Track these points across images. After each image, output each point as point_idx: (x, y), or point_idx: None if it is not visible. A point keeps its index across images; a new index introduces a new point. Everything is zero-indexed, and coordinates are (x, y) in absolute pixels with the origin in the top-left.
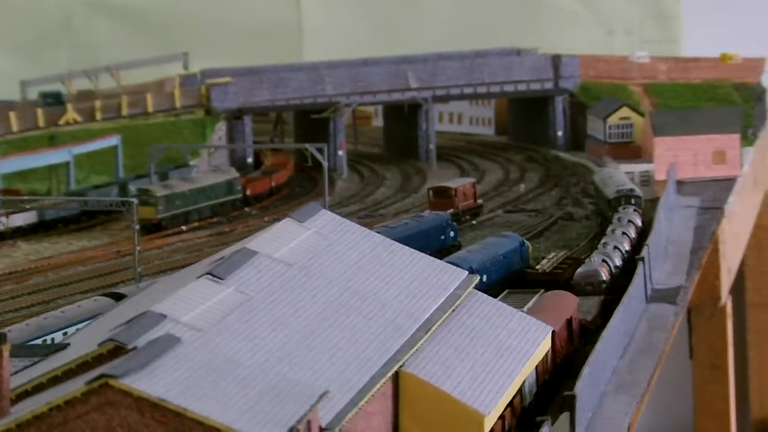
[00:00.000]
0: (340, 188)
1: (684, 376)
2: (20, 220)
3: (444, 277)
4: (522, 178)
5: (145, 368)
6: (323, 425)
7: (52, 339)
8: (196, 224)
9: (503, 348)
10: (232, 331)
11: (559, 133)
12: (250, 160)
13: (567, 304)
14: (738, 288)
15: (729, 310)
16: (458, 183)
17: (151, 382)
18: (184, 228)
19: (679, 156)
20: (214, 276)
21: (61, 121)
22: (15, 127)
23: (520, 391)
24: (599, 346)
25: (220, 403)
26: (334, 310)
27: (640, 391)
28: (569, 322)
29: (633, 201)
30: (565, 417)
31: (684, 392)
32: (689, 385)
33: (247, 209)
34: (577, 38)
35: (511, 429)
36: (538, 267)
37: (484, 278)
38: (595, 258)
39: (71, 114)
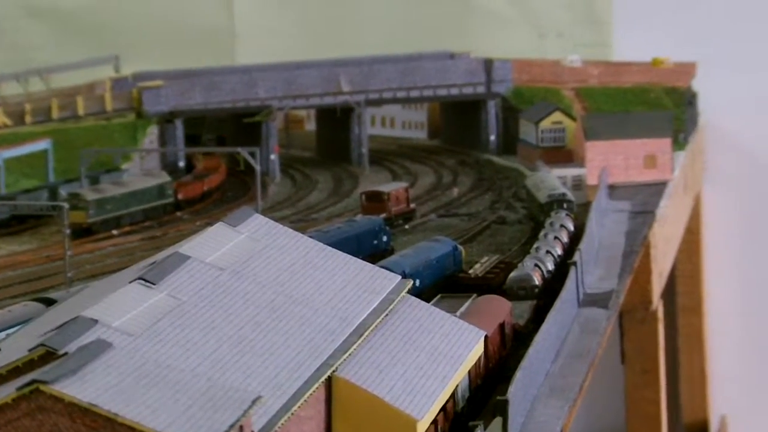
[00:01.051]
0: (273, 192)
1: (616, 381)
2: None
3: (377, 281)
4: (455, 182)
5: (76, 373)
6: (256, 430)
7: None
8: (127, 228)
9: (436, 352)
10: (164, 336)
11: (492, 137)
12: (182, 163)
13: (500, 309)
14: (669, 292)
15: (660, 314)
16: (391, 187)
17: (82, 388)
18: (115, 232)
19: (611, 160)
20: (145, 281)
21: None
22: None
23: (453, 395)
24: (532, 350)
25: (151, 409)
26: (267, 314)
27: (573, 395)
28: (502, 326)
29: (565, 205)
30: (497, 422)
31: (616, 396)
32: (621, 389)
33: (179, 213)
34: (509, 42)
35: None
36: (471, 271)
37: (417, 283)
38: (528, 262)
39: (0, 117)
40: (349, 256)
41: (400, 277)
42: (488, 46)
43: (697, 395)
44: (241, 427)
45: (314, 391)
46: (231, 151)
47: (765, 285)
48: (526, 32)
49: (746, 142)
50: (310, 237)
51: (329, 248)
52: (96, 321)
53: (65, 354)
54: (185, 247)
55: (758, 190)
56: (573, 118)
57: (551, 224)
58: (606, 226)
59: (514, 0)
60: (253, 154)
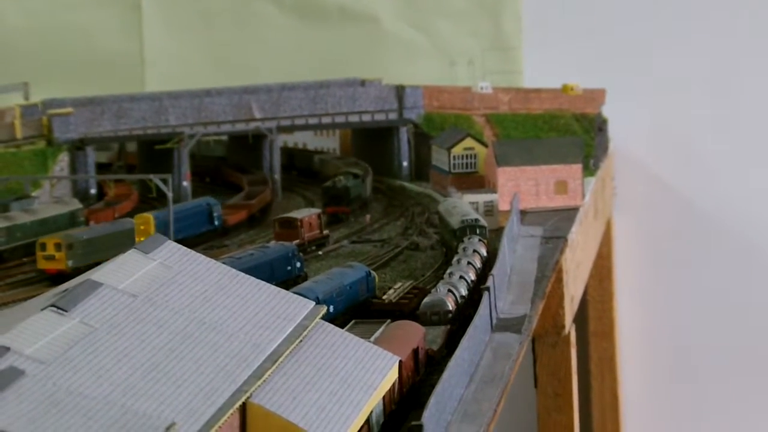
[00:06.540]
0: None
1: (529, 405)
2: None
3: (290, 307)
4: (367, 209)
5: None
6: None
7: None
8: None
9: (350, 378)
10: (76, 363)
11: (404, 164)
12: (93, 191)
13: (413, 334)
14: (581, 317)
15: (573, 338)
16: (303, 213)
17: None
18: (26, 260)
19: (522, 186)
20: (57, 308)
21: None
22: None
23: (367, 421)
24: (445, 375)
25: None
26: (180, 341)
27: (486, 420)
28: (415, 352)
29: (478, 231)
30: None
31: (529, 421)
32: (534, 413)
33: None
34: (419, 69)
35: None
36: (384, 297)
37: (331, 309)
38: (441, 288)
39: None
40: (263, 283)
41: (313, 303)
42: (399, 74)
43: (609, 419)
44: None
45: (228, 418)
46: (143, 177)
47: (674, 309)
48: (436, 60)
49: (655, 168)
50: (223, 263)
51: (242, 274)
52: (8, 348)
53: None
54: (97, 273)
55: (666, 215)
56: (484, 144)
57: (464, 250)
58: (518, 252)
59: (424, 28)
60: (165, 181)
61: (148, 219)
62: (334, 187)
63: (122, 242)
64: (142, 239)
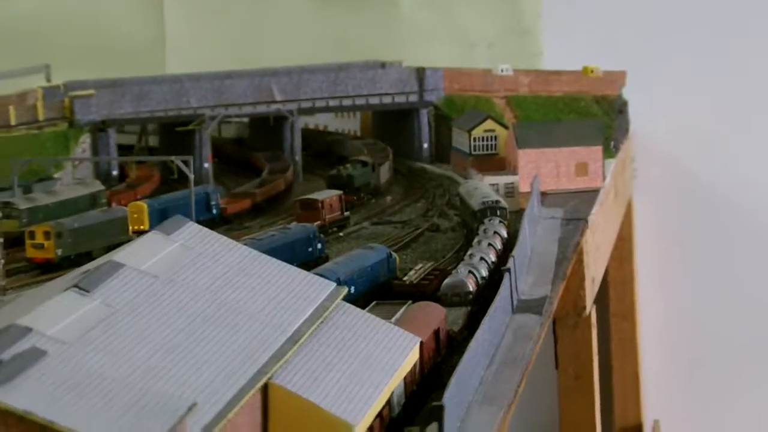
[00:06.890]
0: None
1: (550, 386)
2: None
3: (311, 288)
4: (379, 197)
5: (11, 381)
6: None
7: None
8: None
9: (371, 359)
10: (97, 344)
11: (425, 146)
12: (115, 172)
13: (434, 315)
14: (602, 298)
15: (593, 320)
16: (324, 195)
17: (17, 395)
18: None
19: (542, 168)
20: (80, 288)
21: None
22: None
23: (388, 401)
24: (466, 356)
25: (86, 417)
26: (201, 322)
27: (507, 401)
28: (436, 333)
29: (498, 212)
30: (433, 427)
31: (550, 402)
32: (555, 394)
33: None
34: (439, 52)
35: None
36: (405, 278)
37: (352, 290)
38: (462, 269)
39: None
40: (284, 264)
41: (334, 284)
42: (418, 57)
43: (630, 400)
44: None
45: (249, 399)
46: (164, 159)
47: (695, 291)
48: (455, 43)
49: (675, 150)
50: (244, 245)
51: (263, 256)
52: (30, 329)
53: (0, 362)
54: (119, 254)
55: (686, 197)
56: (505, 126)
57: (484, 231)
58: (538, 233)
59: (443, 11)
60: (186, 163)
61: (141, 207)
62: (338, 176)
63: (114, 231)
64: (135, 228)
